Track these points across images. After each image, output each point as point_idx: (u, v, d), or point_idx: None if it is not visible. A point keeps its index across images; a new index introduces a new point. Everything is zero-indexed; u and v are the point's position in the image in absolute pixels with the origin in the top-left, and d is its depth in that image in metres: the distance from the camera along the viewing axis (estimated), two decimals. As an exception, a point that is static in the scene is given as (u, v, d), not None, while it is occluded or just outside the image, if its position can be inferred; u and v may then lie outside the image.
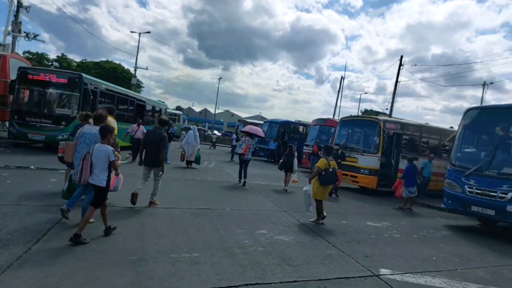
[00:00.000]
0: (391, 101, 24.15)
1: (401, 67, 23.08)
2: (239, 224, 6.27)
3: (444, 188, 8.84)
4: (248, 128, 13.43)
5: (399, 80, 23.35)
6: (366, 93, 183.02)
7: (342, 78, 38.07)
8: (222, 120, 75.21)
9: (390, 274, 4.62)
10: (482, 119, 8.59)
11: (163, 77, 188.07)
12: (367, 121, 13.91)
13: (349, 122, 14.78)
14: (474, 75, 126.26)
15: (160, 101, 24.10)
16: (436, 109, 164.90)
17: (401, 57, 23.79)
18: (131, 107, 16.59)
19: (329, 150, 7.53)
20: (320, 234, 6.30)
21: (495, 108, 8.54)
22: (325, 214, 7.22)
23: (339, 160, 11.57)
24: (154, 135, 6.74)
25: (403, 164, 12.61)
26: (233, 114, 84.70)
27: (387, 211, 9.78)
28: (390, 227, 7.66)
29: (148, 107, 19.01)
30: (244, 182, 11.03)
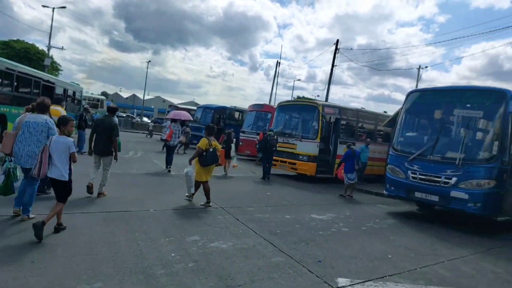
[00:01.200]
0: (327, 85, 24.14)
1: (338, 51, 23.08)
2: (164, 230, 5.05)
3: (386, 174, 8.51)
4: (172, 114, 13.65)
5: (335, 64, 23.39)
6: (299, 79, 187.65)
7: (278, 62, 37.93)
8: (152, 107, 70.65)
9: (349, 285, 3.83)
10: (424, 101, 8.31)
11: (87, 60, 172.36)
12: (305, 106, 13.34)
13: (287, 107, 14.12)
14: (395, 65, 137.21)
15: (73, 83, 21.03)
16: (361, 96, 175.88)
17: (337, 40, 23.69)
18: (35, 90, 13.90)
19: (211, 130, 7.09)
20: (263, 235, 5.36)
21: (437, 91, 8.30)
22: (210, 204, 6.88)
23: (274, 148, 11.74)
24: (104, 123, 6.62)
25: (341, 150, 12.35)
26: (164, 100, 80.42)
27: (329, 200, 9.27)
28: (336, 219, 7.04)
29: (59, 90, 16.24)
30: (169, 169, 10.84)
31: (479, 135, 7.09)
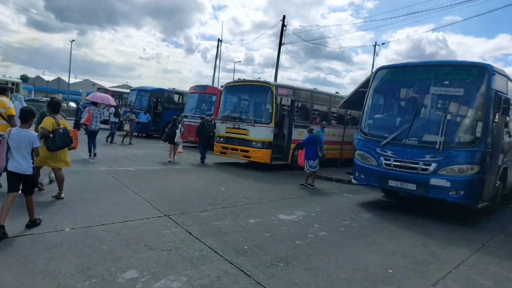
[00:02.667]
0: (275, 66, 22.89)
1: (285, 27, 21.86)
2: (85, 265, 3.46)
3: (354, 161, 7.59)
4: (90, 96, 13.09)
5: (282, 42, 22.15)
6: (240, 61, 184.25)
7: (219, 40, 35.49)
8: (80, 91, 63.77)
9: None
10: (395, 79, 7.43)
11: (1, 41, 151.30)
12: (257, 86, 11.94)
13: (236, 88, 12.66)
14: (328, 48, 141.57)
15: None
16: (298, 79, 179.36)
17: (284, 17, 22.39)
18: None
19: (56, 106, 5.79)
20: (228, 256, 4.02)
21: (410, 66, 7.43)
22: (62, 195, 5.71)
23: (211, 134, 11.66)
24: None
25: (296, 134, 11.37)
26: (94, 84, 73.53)
27: (291, 192, 8.15)
28: (308, 218, 5.92)
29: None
30: (94, 154, 10.25)
31: (460, 115, 6.39)
